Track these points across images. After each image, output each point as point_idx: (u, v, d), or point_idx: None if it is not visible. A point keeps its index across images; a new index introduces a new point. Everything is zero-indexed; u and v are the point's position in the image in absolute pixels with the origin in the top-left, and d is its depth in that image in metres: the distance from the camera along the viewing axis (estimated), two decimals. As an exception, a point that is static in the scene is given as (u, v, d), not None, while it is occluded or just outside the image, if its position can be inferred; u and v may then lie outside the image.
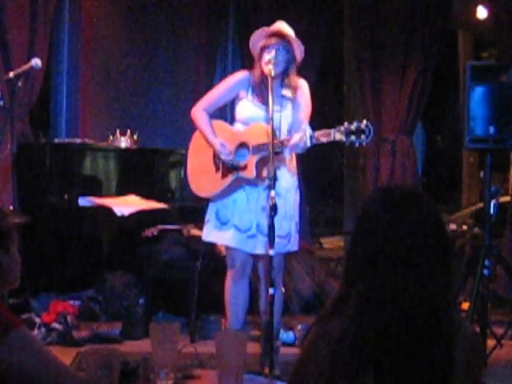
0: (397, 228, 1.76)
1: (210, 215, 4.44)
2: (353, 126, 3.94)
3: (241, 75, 4.44)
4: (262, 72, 4.30)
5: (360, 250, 1.79)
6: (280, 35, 4.30)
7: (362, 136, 3.94)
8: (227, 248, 4.41)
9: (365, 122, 3.96)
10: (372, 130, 3.95)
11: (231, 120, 4.63)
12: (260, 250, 4.29)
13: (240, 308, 4.44)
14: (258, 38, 4.34)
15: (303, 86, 4.40)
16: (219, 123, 4.49)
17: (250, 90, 4.38)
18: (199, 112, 4.44)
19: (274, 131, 4.09)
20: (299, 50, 4.33)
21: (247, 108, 4.37)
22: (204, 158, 4.45)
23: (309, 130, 4.05)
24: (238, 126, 4.42)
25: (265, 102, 4.29)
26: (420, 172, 8.20)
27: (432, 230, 1.78)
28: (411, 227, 1.76)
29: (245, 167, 4.30)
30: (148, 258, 5.66)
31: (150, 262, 5.63)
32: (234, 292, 4.42)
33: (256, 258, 4.41)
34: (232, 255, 4.40)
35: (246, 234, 4.31)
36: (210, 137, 4.40)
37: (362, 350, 1.72)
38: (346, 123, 3.97)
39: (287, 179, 4.36)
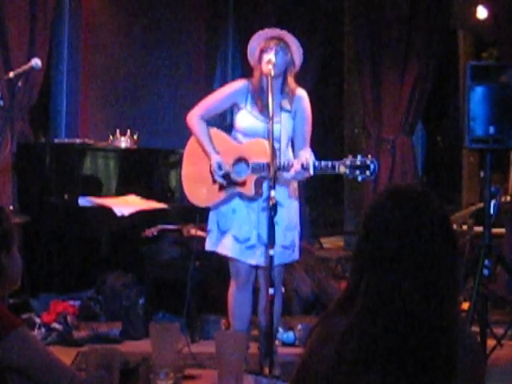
0: (405, 227, 1.76)
1: (211, 225, 4.41)
2: (358, 161, 3.92)
3: (239, 84, 4.40)
4: (261, 75, 4.27)
5: (367, 248, 1.79)
6: (279, 38, 4.29)
7: (367, 172, 3.93)
8: (230, 258, 4.37)
9: (370, 157, 3.95)
10: (376, 165, 3.94)
11: (229, 127, 4.59)
12: (259, 261, 4.27)
13: (245, 315, 4.43)
14: (256, 42, 4.31)
15: (304, 96, 4.36)
16: (217, 133, 4.43)
17: (249, 100, 4.33)
18: (196, 119, 4.38)
19: (273, 132, 4.08)
20: (298, 54, 4.30)
21: (246, 119, 4.33)
22: (201, 167, 4.39)
23: (312, 159, 4.04)
24: (238, 136, 4.38)
25: (263, 112, 4.26)
26: (420, 172, 8.20)
27: (440, 231, 1.78)
28: (420, 227, 1.76)
29: (243, 183, 4.26)
30: (148, 258, 5.66)
31: (150, 262, 5.63)
32: (239, 301, 4.39)
33: (256, 267, 4.39)
34: (236, 265, 4.36)
35: (244, 245, 4.28)
36: (209, 150, 4.34)
37: (368, 348, 1.72)
38: (350, 157, 3.95)
39: (290, 189, 4.33)
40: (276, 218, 4.04)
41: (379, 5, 7.52)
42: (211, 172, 4.36)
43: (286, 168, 4.10)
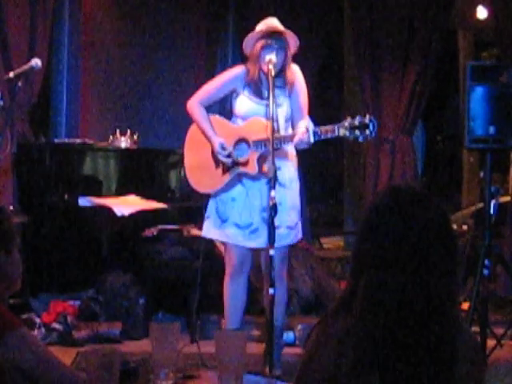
0: (405, 228, 1.76)
1: (210, 211, 4.43)
2: (356, 121, 3.98)
3: (238, 70, 4.44)
4: (259, 71, 4.31)
5: (367, 249, 1.79)
6: (278, 35, 4.30)
7: (367, 131, 3.97)
8: (226, 244, 4.40)
9: (368, 116, 3.99)
10: (376, 124, 3.98)
11: (229, 113, 4.61)
12: (263, 244, 4.26)
13: (238, 307, 4.43)
14: (255, 39, 4.31)
15: (297, 71, 4.40)
16: (217, 118, 4.47)
17: (246, 86, 4.38)
18: (196, 105, 4.42)
19: (273, 129, 4.09)
20: (294, 44, 4.33)
21: (245, 103, 4.37)
22: (203, 154, 4.43)
23: (311, 126, 4.08)
24: (238, 121, 4.42)
25: (261, 96, 4.31)
26: (420, 172, 8.20)
27: (440, 231, 1.78)
28: (420, 227, 1.76)
29: (246, 163, 4.29)
30: (148, 258, 5.65)
31: (149, 262, 5.63)
32: (232, 290, 4.40)
33: (257, 252, 4.41)
34: (230, 252, 4.38)
35: (248, 230, 4.30)
36: (210, 134, 4.38)
37: (367, 349, 1.72)
38: (349, 118, 4.01)
39: (290, 170, 4.37)
40: (280, 199, 4.11)
41: (379, 5, 7.52)
42: (213, 157, 4.39)
43: (288, 139, 4.16)
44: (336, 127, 4.01)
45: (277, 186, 4.15)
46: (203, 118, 4.41)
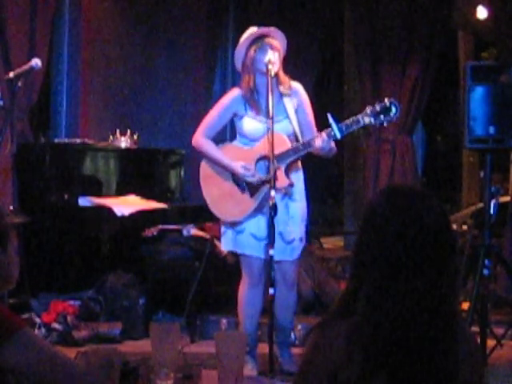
0: (404, 228, 1.76)
1: (225, 227, 4.40)
2: (378, 107, 3.99)
3: (234, 94, 4.40)
4: (255, 77, 4.29)
5: (368, 251, 1.78)
6: (267, 35, 4.29)
7: (390, 113, 3.99)
8: (243, 255, 4.36)
9: (387, 99, 4.01)
10: (397, 104, 4.00)
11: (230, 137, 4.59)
12: (280, 256, 4.24)
13: (256, 313, 4.42)
14: (245, 46, 4.30)
15: (300, 89, 4.39)
16: (227, 146, 4.43)
17: (247, 106, 4.34)
18: (202, 140, 4.37)
19: (273, 131, 4.10)
20: (283, 44, 4.32)
21: (250, 124, 4.33)
22: (223, 184, 4.37)
23: (334, 123, 4.06)
24: (245, 142, 4.38)
25: (262, 114, 4.28)
26: (420, 172, 8.20)
27: (440, 230, 1.78)
28: (420, 227, 1.76)
29: (275, 178, 4.24)
30: (148, 258, 5.66)
31: (150, 262, 5.63)
32: (251, 299, 4.38)
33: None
34: (249, 263, 4.35)
35: (263, 242, 4.27)
36: (227, 162, 4.32)
37: (374, 352, 1.71)
38: (370, 106, 4.03)
39: (300, 184, 4.37)
40: (292, 213, 4.24)
41: (379, 5, 7.52)
42: (236, 183, 4.35)
43: (310, 144, 4.17)
44: (360, 117, 4.02)
45: (289, 201, 4.18)
46: (213, 150, 4.35)
